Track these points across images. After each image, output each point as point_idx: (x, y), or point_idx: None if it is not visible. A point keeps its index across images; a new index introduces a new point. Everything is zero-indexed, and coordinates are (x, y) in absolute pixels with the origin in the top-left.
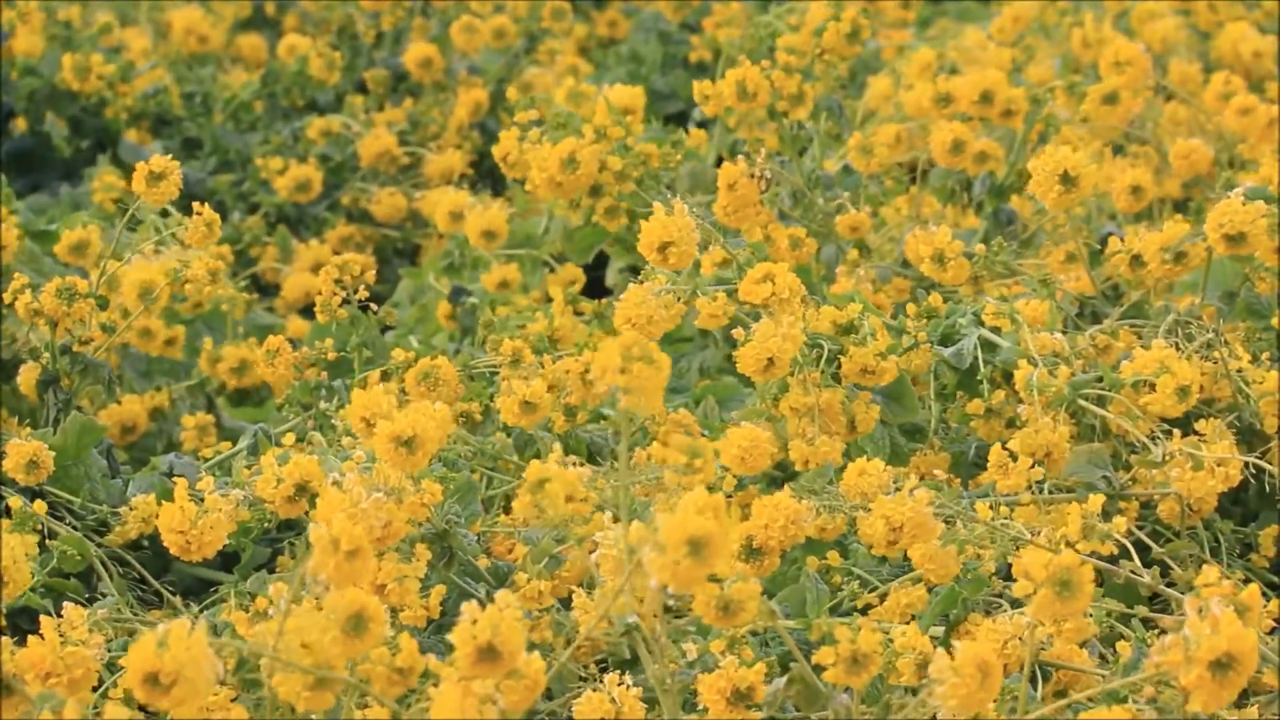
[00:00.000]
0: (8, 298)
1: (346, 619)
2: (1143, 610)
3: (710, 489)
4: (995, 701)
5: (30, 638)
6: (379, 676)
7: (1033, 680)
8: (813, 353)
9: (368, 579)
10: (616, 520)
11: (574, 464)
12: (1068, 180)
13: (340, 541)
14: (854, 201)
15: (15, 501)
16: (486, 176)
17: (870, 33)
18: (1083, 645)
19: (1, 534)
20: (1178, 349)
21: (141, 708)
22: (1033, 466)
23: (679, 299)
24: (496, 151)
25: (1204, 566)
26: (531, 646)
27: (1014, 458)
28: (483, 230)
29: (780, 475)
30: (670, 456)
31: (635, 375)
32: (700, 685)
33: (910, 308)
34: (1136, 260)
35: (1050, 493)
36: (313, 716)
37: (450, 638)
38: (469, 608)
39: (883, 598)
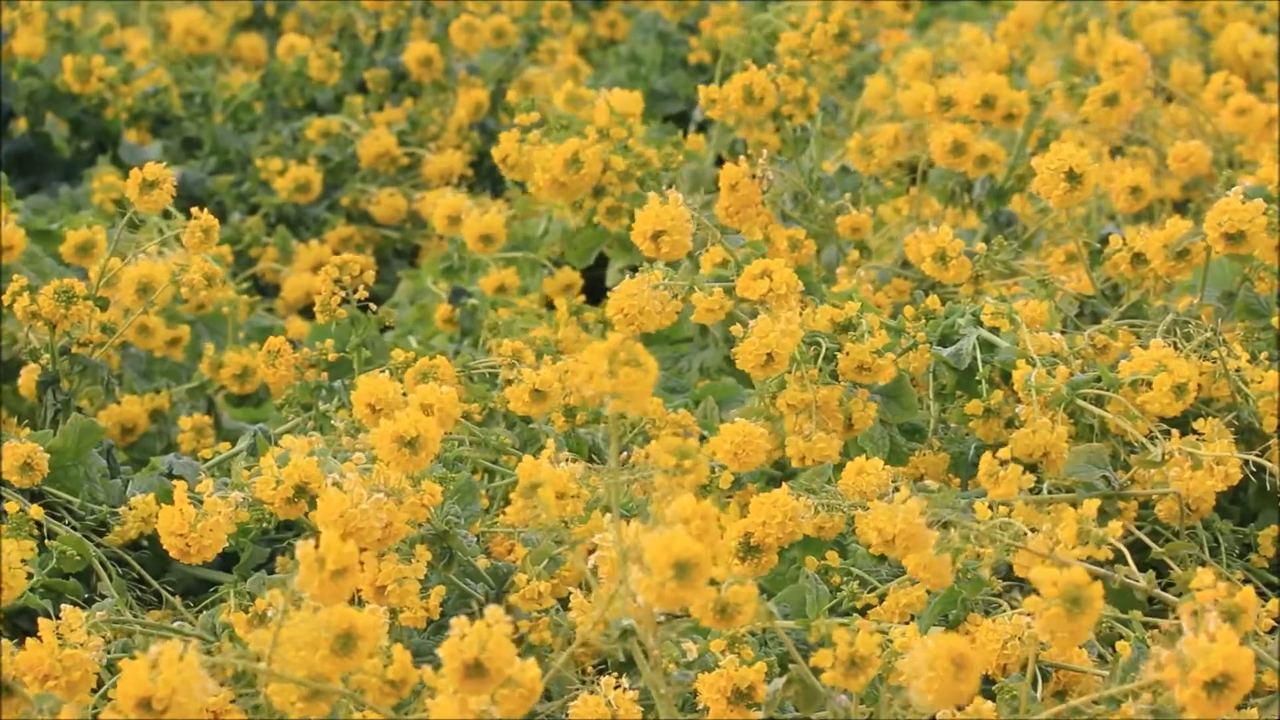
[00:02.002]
0: (6, 299)
1: (335, 637)
2: (1138, 615)
3: (706, 488)
4: (994, 701)
5: (29, 639)
6: (372, 687)
7: (1032, 681)
8: (810, 350)
9: (366, 585)
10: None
11: (568, 461)
12: (1073, 178)
13: (326, 560)
14: (855, 202)
15: (12, 506)
16: (486, 177)
17: (864, 34)
18: (1081, 645)
19: None
20: (1176, 349)
21: None
22: (1025, 473)
23: (675, 295)
24: (496, 154)
25: (1199, 569)
26: (531, 648)
27: (1004, 465)
28: (480, 234)
29: (779, 474)
30: (659, 457)
31: (622, 379)
32: (700, 685)
33: (908, 309)
34: (1138, 258)
35: (1049, 493)
36: None
37: (439, 652)
38: (458, 623)
39: (882, 598)
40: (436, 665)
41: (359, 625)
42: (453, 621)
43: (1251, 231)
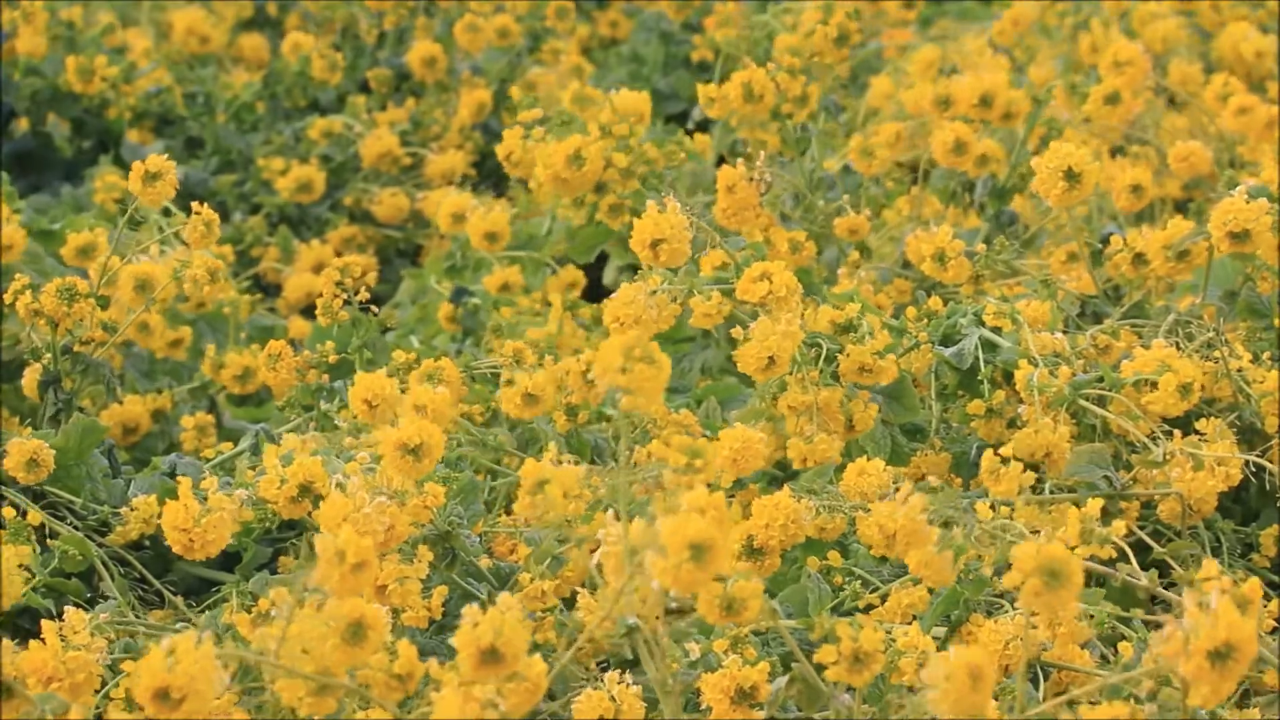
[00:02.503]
0: (8, 298)
1: (346, 627)
2: (1140, 612)
3: (710, 487)
4: (996, 700)
5: (32, 641)
6: (378, 682)
7: (1034, 680)
8: (811, 352)
9: (368, 584)
10: (618, 519)
11: (571, 462)
12: (1071, 177)
13: (346, 554)
14: (855, 203)
15: (9, 511)
16: (489, 177)
17: (864, 34)
18: (1084, 646)
19: None
20: (1178, 348)
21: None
22: (1026, 470)
23: (674, 298)
24: (500, 150)
25: (1204, 562)
26: (535, 647)
27: (1005, 463)
28: (485, 232)
29: (781, 475)
30: (670, 456)
31: (636, 375)
32: (703, 685)
33: (910, 309)
34: (1139, 259)
35: (1051, 493)
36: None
37: (453, 641)
38: (470, 611)
39: (884, 598)
40: (439, 663)
41: (369, 615)
42: (464, 610)
43: (1256, 231)
